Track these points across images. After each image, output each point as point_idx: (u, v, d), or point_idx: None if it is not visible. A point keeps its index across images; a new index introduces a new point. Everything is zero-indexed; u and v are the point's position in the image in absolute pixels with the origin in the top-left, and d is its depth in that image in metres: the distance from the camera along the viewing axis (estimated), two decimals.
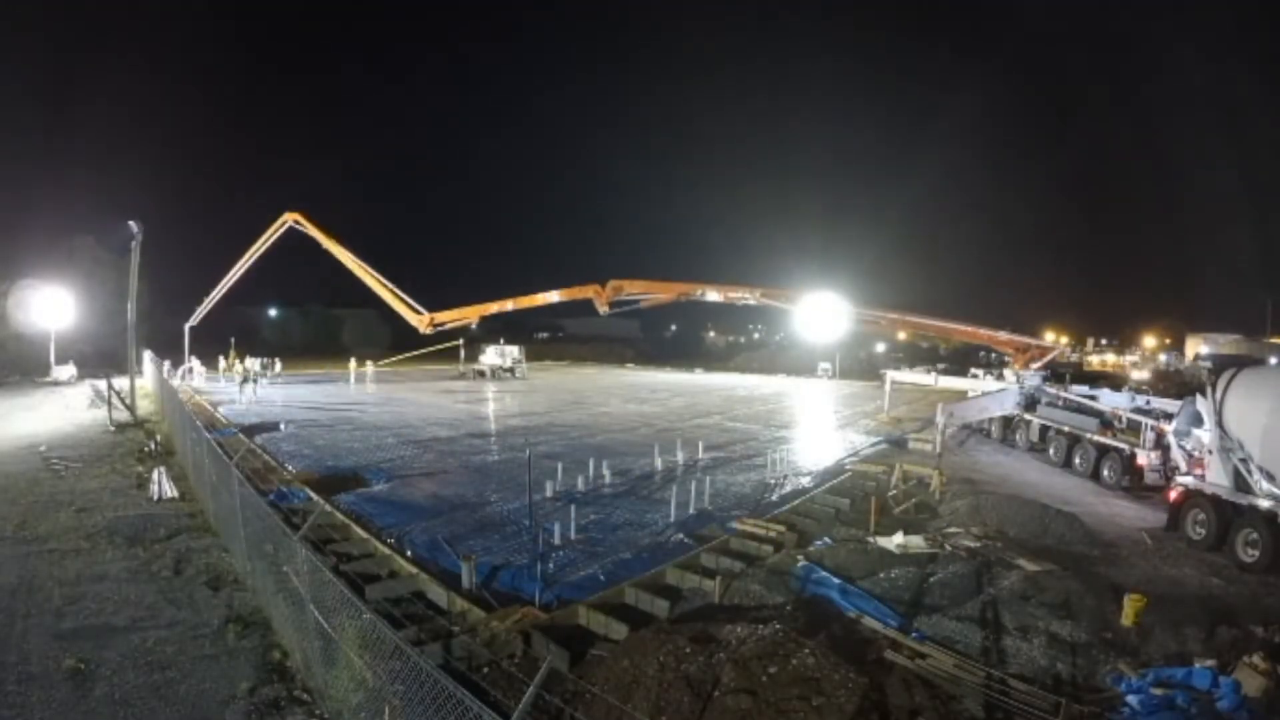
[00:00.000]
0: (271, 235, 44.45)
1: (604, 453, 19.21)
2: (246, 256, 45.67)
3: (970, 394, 26.83)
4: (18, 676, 6.98)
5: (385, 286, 42.74)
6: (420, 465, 18.08)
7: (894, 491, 15.37)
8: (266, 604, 8.45)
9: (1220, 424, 12.58)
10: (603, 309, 36.26)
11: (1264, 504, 11.56)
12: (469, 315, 41.98)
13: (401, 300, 42.73)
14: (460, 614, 8.78)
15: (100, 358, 40.97)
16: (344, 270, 43.25)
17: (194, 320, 47.86)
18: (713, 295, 35.45)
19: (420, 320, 41.95)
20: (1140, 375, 53.77)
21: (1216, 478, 12.68)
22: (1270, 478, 11.68)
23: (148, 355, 35.97)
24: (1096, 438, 18.42)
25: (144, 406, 26.71)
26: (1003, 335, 32.93)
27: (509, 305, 41.02)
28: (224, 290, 47.15)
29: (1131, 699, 6.84)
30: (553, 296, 38.56)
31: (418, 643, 7.09)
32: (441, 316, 41.81)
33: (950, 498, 14.94)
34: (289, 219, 43.65)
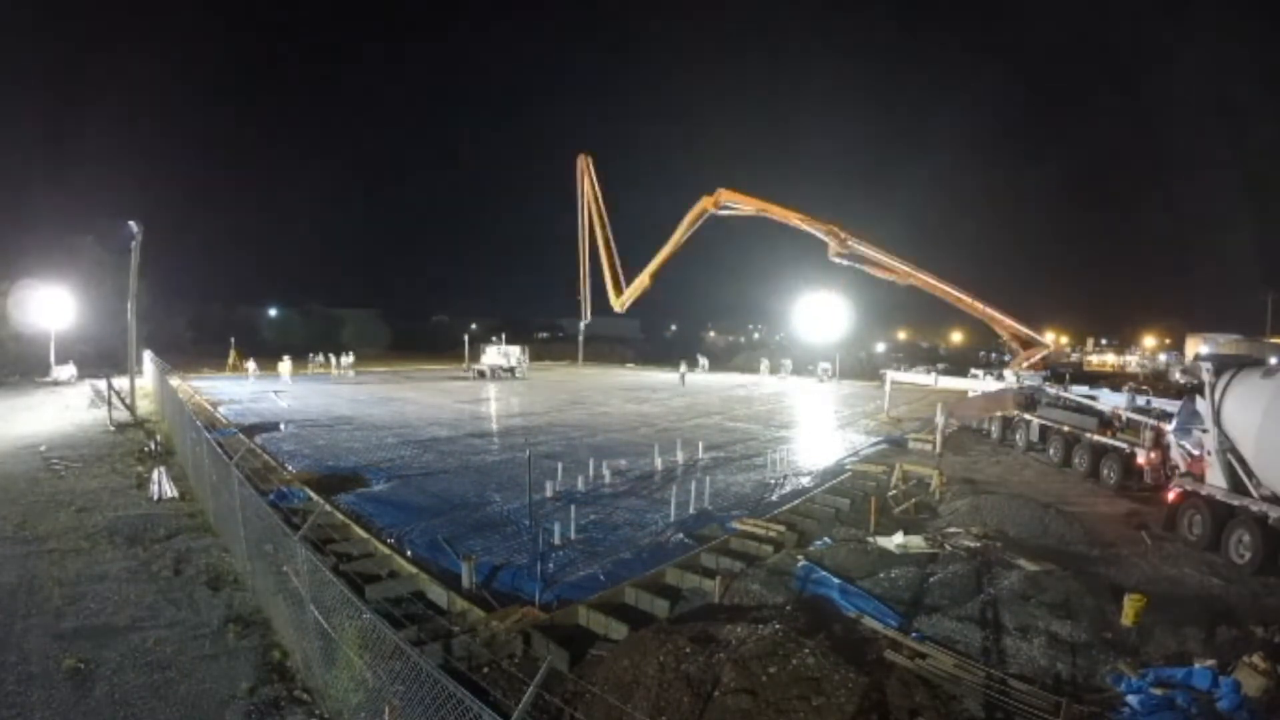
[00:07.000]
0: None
1: (604, 452, 19.21)
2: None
3: (970, 394, 26.80)
4: (18, 676, 6.98)
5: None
6: (420, 465, 18.08)
7: (894, 491, 15.36)
8: (266, 604, 8.46)
9: (1219, 424, 12.57)
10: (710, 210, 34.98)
11: (1255, 506, 11.56)
12: (635, 292, 41.72)
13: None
14: (460, 614, 8.79)
15: (100, 358, 40.87)
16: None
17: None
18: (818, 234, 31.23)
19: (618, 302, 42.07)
20: (1130, 370, 53.92)
21: (1214, 478, 12.67)
22: (1264, 479, 11.68)
23: (148, 355, 35.97)
24: (1096, 437, 18.39)
25: (144, 406, 26.73)
26: (1020, 331, 32.36)
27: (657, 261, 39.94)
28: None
29: (1131, 699, 6.84)
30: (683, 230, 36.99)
31: (418, 643, 7.09)
32: (626, 295, 41.74)
33: (950, 498, 14.95)
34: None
